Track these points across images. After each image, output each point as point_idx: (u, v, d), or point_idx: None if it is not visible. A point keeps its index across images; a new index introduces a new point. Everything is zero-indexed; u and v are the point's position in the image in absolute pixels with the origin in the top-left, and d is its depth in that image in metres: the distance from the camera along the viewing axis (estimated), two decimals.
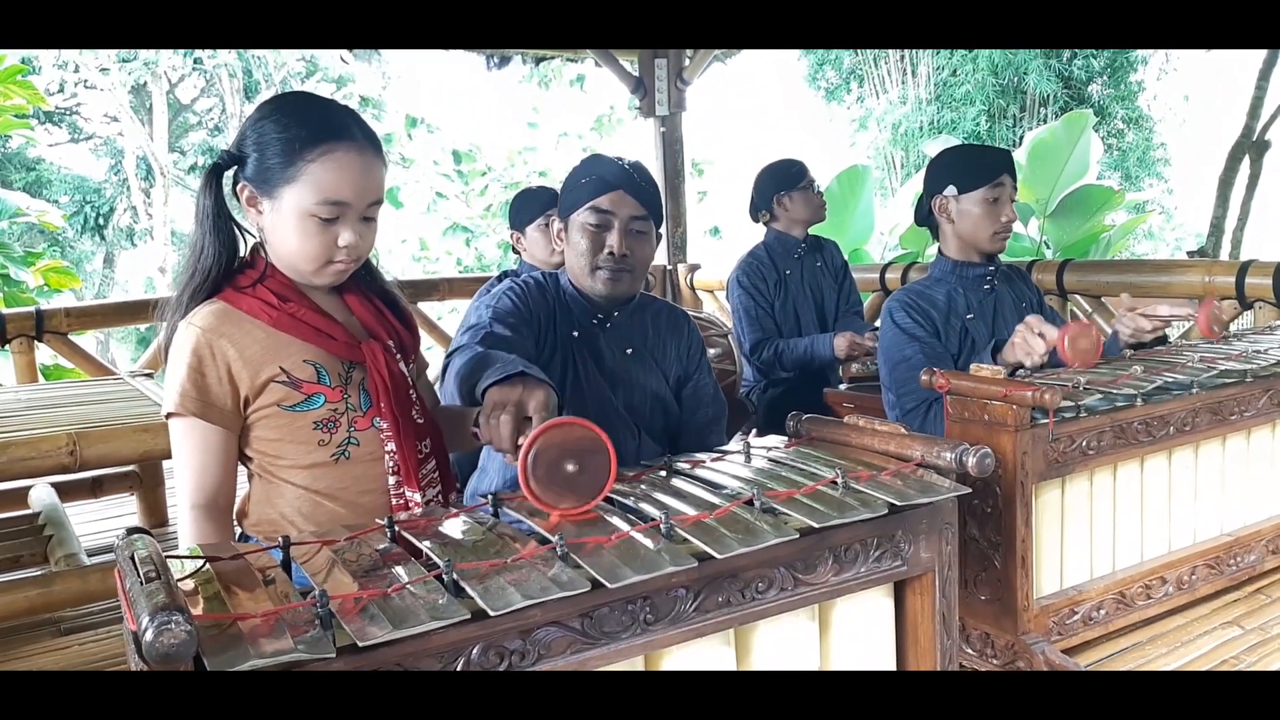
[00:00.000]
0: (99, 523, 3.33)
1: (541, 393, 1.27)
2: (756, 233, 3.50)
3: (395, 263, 12.48)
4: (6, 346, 3.86)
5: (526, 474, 1.08)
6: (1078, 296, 3.52)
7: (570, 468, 1.10)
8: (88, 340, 5.79)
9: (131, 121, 17.00)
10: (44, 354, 4.27)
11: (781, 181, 3.30)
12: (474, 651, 0.91)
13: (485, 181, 12.62)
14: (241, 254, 1.44)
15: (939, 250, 2.29)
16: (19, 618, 2.15)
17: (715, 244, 13.01)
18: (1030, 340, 1.88)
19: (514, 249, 3.13)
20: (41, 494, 2.83)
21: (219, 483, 1.38)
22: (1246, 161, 8.72)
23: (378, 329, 1.48)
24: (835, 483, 1.17)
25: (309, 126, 1.34)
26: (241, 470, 1.46)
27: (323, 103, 1.40)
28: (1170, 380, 1.73)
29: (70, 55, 15.87)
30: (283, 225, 1.36)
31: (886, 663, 1.24)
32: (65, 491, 3.03)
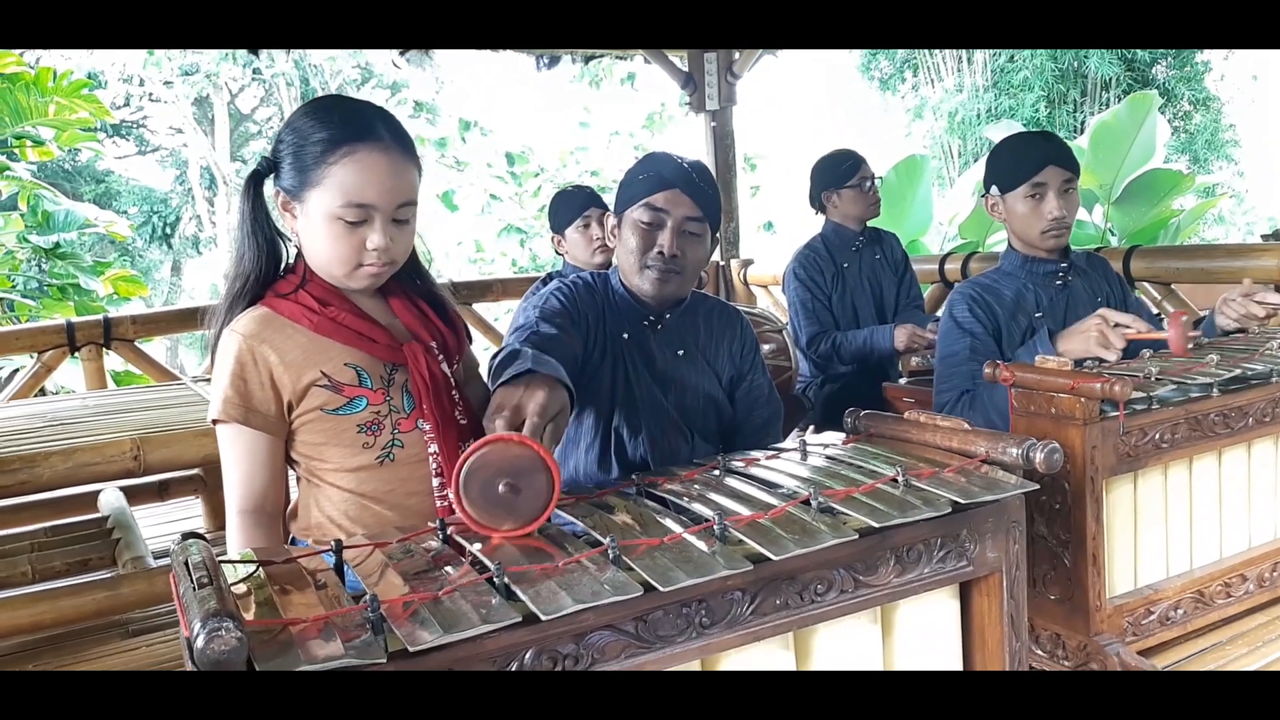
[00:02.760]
0: (165, 525, 3.40)
1: (542, 394, 1.19)
2: (810, 227, 3.44)
3: (451, 265, 12.61)
4: (77, 354, 3.97)
5: (459, 494, 1.02)
6: (1146, 284, 3.40)
7: (503, 489, 1.03)
8: (157, 346, 5.94)
9: (195, 133, 17.43)
10: (115, 360, 4.37)
11: (831, 177, 3.22)
12: (527, 656, 0.90)
13: (538, 182, 12.68)
14: (285, 261, 1.45)
15: (1009, 243, 2.21)
16: (88, 620, 2.19)
17: (769, 239, 12.90)
18: (1109, 335, 1.78)
19: (556, 251, 3.12)
20: (110, 498, 2.89)
21: (265, 488, 1.39)
22: None
23: (420, 331, 1.47)
24: (896, 481, 1.13)
25: (331, 129, 1.34)
26: (291, 475, 1.46)
27: (350, 104, 1.39)
28: (1248, 369, 1.66)
29: (134, 69, 16.31)
30: (312, 229, 1.36)
31: (953, 666, 1.20)
32: (133, 495, 3.08)
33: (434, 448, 1.42)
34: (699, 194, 1.73)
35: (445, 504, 1.43)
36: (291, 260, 1.45)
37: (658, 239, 1.73)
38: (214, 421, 1.39)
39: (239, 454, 1.38)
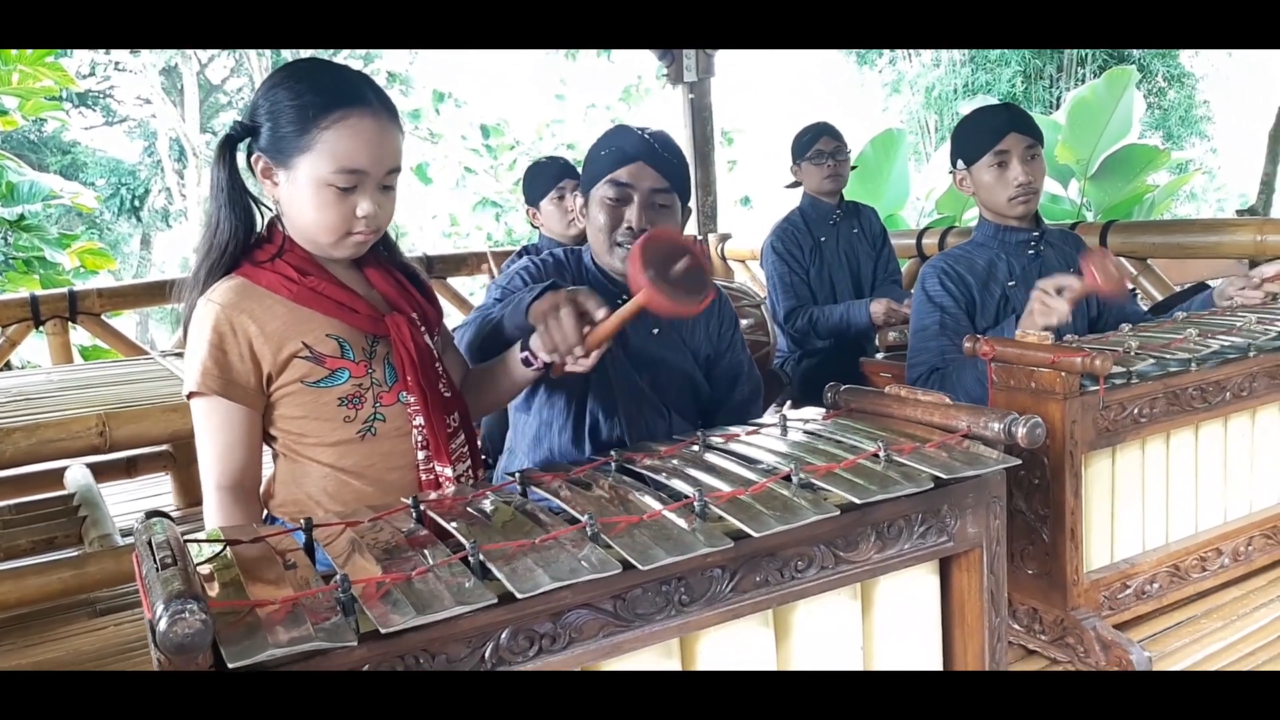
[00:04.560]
0: (134, 502, 3.33)
1: (583, 289, 1.37)
2: (787, 202, 3.42)
3: (426, 239, 12.49)
4: (41, 328, 3.89)
5: (642, 271, 1.16)
6: (1123, 259, 3.41)
7: (677, 267, 1.18)
8: (126, 321, 5.84)
9: (163, 103, 17.09)
10: (83, 335, 4.29)
11: (794, 150, 3.25)
12: (503, 636, 0.88)
13: (514, 155, 12.56)
14: (258, 229, 1.40)
15: (980, 215, 2.21)
16: (54, 599, 2.14)
17: (746, 213, 12.87)
18: (1050, 302, 1.80)
19: (531, 224, 3.08)
20: (76, 475, 2.83)
21: (244, 463, 1.35)
22: None
23: (400, 302, 1.44)
24: (877, 456, 1.12)
25: (322, 93, 1.30)
26: (266, 451, 1.42)
27: (336, 68, 1.36)
28: (1226, 344, 1.66)
29: None
30: (299, 196, 1.32)
31: (932, 641, 1.19)
32: (100, 472, 3.03)
33: (419, 420, 1.39)
34: (664, 164, 1.69)
35: (430, 478, 1.40)
36: (263, 229, 1.40)
37: (625, 214, 1.69)
38: (190, 395, 1.34)
39: (217, 428, 1.33)
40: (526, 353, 1.42)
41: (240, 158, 1.38)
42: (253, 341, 1.31)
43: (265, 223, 1.40)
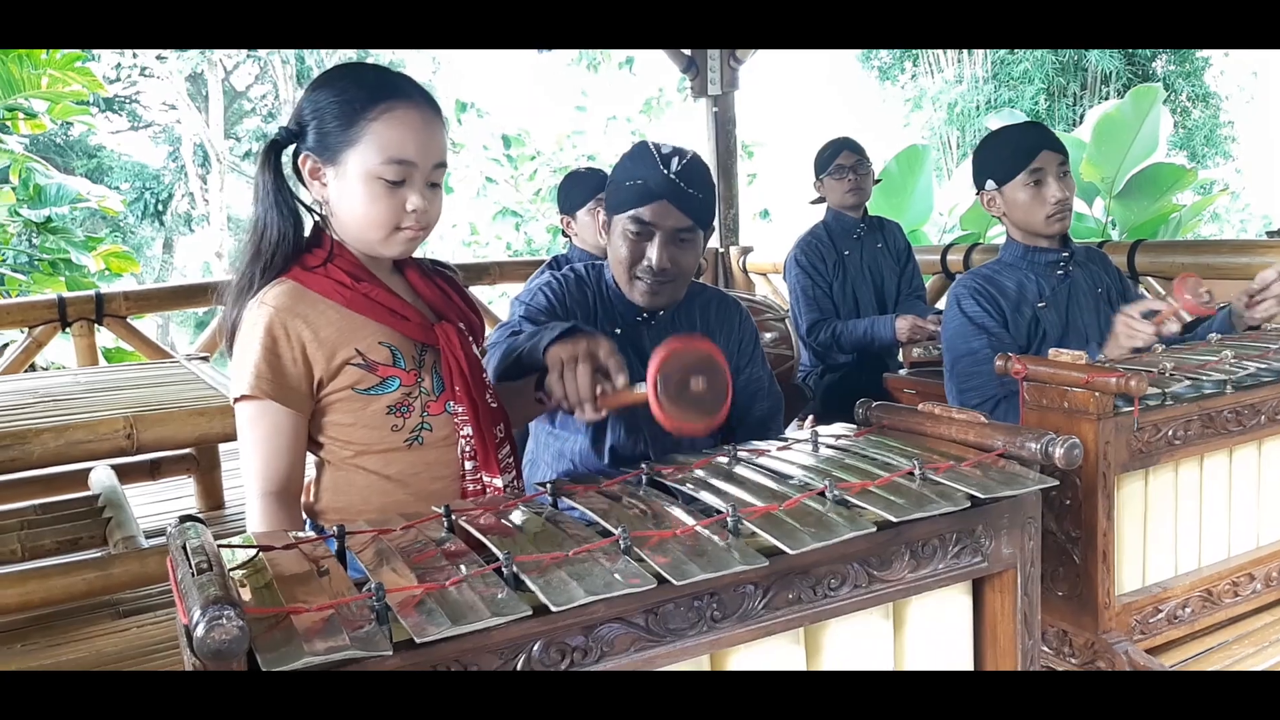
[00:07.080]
0: (157, 504, 3.36)
1: (605, 341, 1.34)
2: (806, 215, 3.43)
3: (446, 248, 12.54)
4: (68, 329, 3.92)
5: (656, 393, 1.12)
6: (1150, 279, 3.38)
7: (697, 385, 1.14)
8: (148, 324, 5.89)
9: (189, 109, 17.28)
10: (106, 337, 4.33)
11: (816, 165, 3.27)
12: (535, 648, 0.87)
13: (534, 166, 12.62)
14: (305, 233, 1.40)
15: (1008, 235, 2.19)
16: (78, 600, 2.16)
17: (765, 226, 12.87)
18: (1135, 325, 1.80)
19: (564, 233, 3.08)
20: (101, 476, 2.85)
21: (290, 469, 1.33)
22: None
23: (447, 311, 1.44)
24: (912, 474, 1.11)
25: (367, 87, 1.31)
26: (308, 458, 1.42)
27: (379, 67, 1.38)
28: (1262, 366, 1.63)
29: None
30: (349, 192, 1.31)
31: (964, 663, 1.18)
32: (124, 473, 3.06)
33: (466, 430, 1.38)
34: (688, 202, 1.65)
35: (476, 488, 1.40)
36: (310, 234, 1.40)
37: (646, 251, 1.67)
38: (239, 398, 1.33)
39: (266, 432, 1.32)
40: (540, 393, 1.43)
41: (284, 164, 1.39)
42: (306, 346, 1.31)
43: (312, 228, 1.40)
